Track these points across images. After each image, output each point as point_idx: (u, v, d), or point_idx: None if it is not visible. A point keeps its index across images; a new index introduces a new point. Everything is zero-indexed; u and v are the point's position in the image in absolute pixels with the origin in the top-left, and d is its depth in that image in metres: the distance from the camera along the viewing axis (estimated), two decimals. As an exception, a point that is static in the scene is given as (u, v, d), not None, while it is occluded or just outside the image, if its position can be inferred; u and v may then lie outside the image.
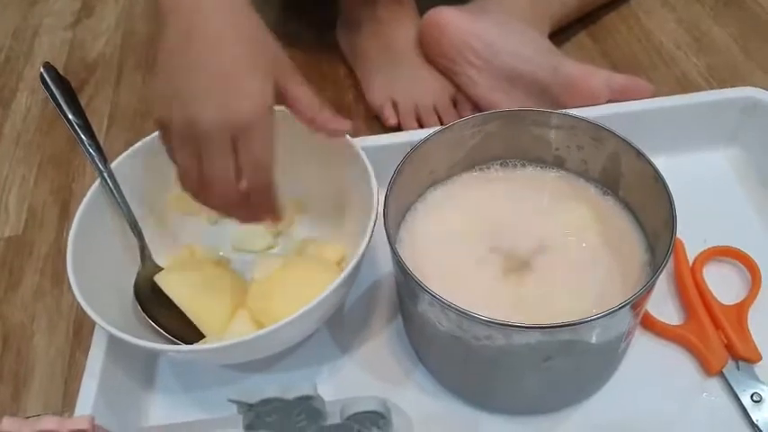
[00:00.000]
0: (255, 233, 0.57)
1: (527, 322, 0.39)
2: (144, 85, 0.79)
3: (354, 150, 0.52)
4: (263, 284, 0.50)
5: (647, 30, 0.78)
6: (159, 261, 0.55)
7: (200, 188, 0.44)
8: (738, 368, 0.48)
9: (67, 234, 0.64)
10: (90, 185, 0.68)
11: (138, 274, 0.53)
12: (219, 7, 0.43)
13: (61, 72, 0.84)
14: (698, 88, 0.70)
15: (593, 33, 0.78)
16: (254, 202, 0.44)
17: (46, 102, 0.80)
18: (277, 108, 0.44)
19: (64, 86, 0.55)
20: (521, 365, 0.43)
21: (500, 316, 0.43)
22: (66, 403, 0.53)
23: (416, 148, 0.49)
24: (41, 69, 0.55)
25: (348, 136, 0.53)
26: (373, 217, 0.47)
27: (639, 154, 0.46)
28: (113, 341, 0.49)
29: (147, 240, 0.54)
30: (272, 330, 0.42)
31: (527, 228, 0.50)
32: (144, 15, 0.91)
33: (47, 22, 0.93)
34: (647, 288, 0.39)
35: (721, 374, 0.48)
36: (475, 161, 0.53)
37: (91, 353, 0.49)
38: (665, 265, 0.40)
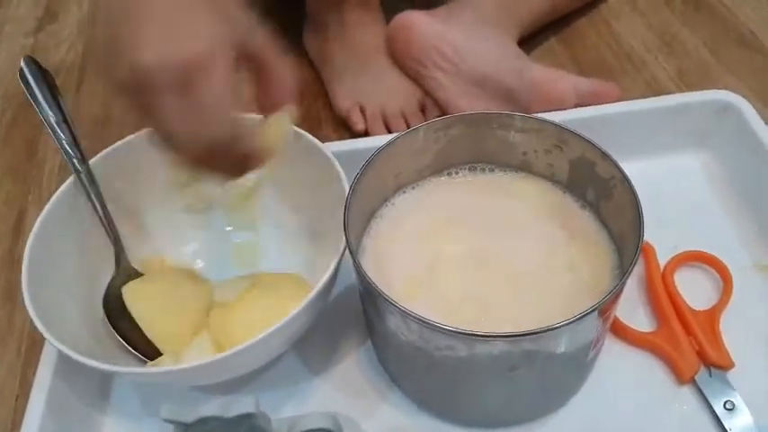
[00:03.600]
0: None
1: (491, 331, 0.38)
2: (105, 92, 0.77)
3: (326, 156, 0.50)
4: (227, 306, 0.48)
5: (616, 34, 0.78)
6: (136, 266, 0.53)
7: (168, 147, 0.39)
8: (711, 375, 0.47)
9: (22, 246, 0.63)
10: (47, 195, 0.67)
11: (112, 281, 0.51)
12: None
13: (20, 80, 0.82)
14: (668, 92, 0.70)
15: (563, 39, 0.78)
16: (219, 157, 0.39)
17: (3, 110, 0.77)
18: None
19: (44, 80, 0.52)
20: (485, 376, 0.42)
21: (465, 324, 0.42)
22: (16, 422, 0.50)
23: (378, 152, 0.47)
24: (22, 63, 0.52)
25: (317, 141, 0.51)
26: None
27: (605, 156, 0.45)
28: (62, 360, 0.46)
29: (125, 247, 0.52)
30: (224, 357, 0.40)
31: (494, 233, 0.48)
32: (107, 22, 0.89)
33: (7, 29, 0.90)
34: (614, 294, 0.38)
35: (693, 382, 0.47)
36: (443, 165, 0.52)
37: (40, 368, 0.46)
38: (631, 270, 0.38)
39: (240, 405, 0.31)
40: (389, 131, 0.66)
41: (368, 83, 0.69)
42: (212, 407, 0.31)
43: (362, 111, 0.68)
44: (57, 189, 0.67)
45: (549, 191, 0.51)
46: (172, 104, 0.36)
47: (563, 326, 0.37)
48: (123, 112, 0.75)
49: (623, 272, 0.44)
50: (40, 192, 0.68)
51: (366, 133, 0.67)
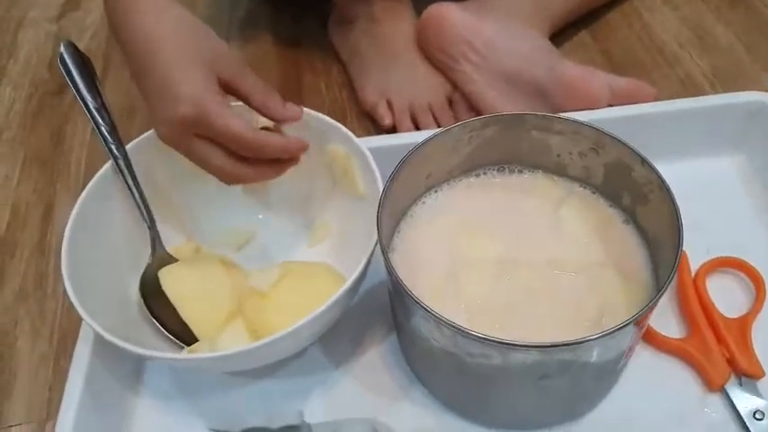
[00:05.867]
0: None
1: (524, 338, 0.38)
2: (130, 82, 0.77)
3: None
4: (262, 294, 0.48)
5: (649, 28, 0.76)
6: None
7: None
8: (741, 384, 0.47)
9: (51, 235, 0.64)
10: (75, 185, 0.68)
11: (148, 266, 0.52)
12: (146, 21, 0.47)
13: (45, 67, 0.82)
14: (701, 91, 0.69)
15: (593, 31, 0.76)
16: (260, 161, 0.47)
17: (30, 97, 0.78)
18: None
19: (84, 65, 0.53)
20: (516, 383, 0.42)
21: (496, 329, 0.42)
22: (51, 411, 0.51)
23: (412, 152, 0.47)
24: (62, 47, 0.53)
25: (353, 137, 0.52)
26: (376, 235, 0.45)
27: (644, 161, 0.44)
28: (99, 342, 0.47)
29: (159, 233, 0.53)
30: (262, 345, 0.41)
31: (523, 236, 0.48)
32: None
33: (31, 14, 0.90)
34: (649, 308, 0.38)
35: (723, 390, 0.47)
36: (473, 165, 0.52)
37: (76, 352, 0.47)
38: (668, 286, 0.38)
39: (285, 417, 0.31)
40: (417, 126, 0.66)
41: (395, 76, 0.68)
42: (258, 419, 0.31)
43: (389, 105, 0.67)
44: (84, 179, 0.68)
45: (581, 193, 0.50)
46: (197, 149, 0.46)
47: (598, 338, 0.37)
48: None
49: (658, 282, 0.44)
50: (68, 182, 0.68)
51: (393, 128, 0.67)
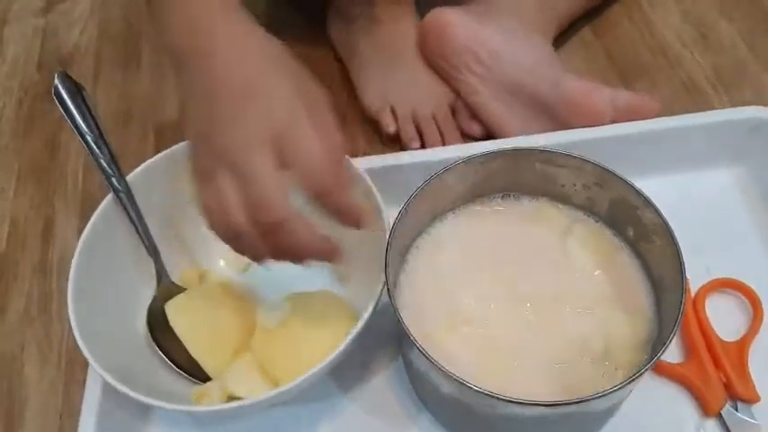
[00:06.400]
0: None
1: (529, 380, 0.39)
2: (124, 83, 0.75)
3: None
4: (271, 333, 0.49)
5: (650, 23, 0.75)
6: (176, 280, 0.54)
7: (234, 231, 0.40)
8: (737, 409, 0.49)
9: (53, 253, 0.63)
10: (73, 198, 0.67)
11: (154, 299, 0.52)
12: (236, 50, 0.40)
13: (34, 67, 0.80)
14: (704, 94, 0.68)
15: (596, 29, 0.75)
16: (329, 207, 0.40)
17: (20, 102, 0.76)
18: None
19: (79, 95, 0.52)
20: (523, 427, 0.43)
21: (503, 371, 0.43)
22: (63, 439, 0.52)
23: (417, 192, 0.47)
24: (56, 80, 0.51)
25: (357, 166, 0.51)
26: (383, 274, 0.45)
27: (648, 203, 0.45)
28: (108, 393, 0.48)
29: (163, 259, 0.53)
30: (274, 395, 0.42)
31: (531, 269, 0.49)
32: (120, 1, 0.86)
33: (15, 8, 0.86)
34: (654, 362, 0.39)
35: (719, 415, 0.49)
36: (477, 194, 0.51)
37: (87, 389, 0.48)
38: (671, 340, 0.39)
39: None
40: (420, 135, 0.65)
41: (399, 82, 0.67)
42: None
43: (393, 111, 0.66)
44: (83, 192, 0.68)
45: (586, 222, 0.50)
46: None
47: (605, 395, 0.38)
48: (145, 107, 0.74)
49: (660, 315, 0.45)
50: (65, 195, 0.67)
51: (397, 135, 0.66)
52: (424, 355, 0.40)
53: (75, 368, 0.56)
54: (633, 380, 0.38)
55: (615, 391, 0.38)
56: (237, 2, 0.42)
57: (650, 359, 0.39)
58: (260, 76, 0.39)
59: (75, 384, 0.55)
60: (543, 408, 0.39)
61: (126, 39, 0.81)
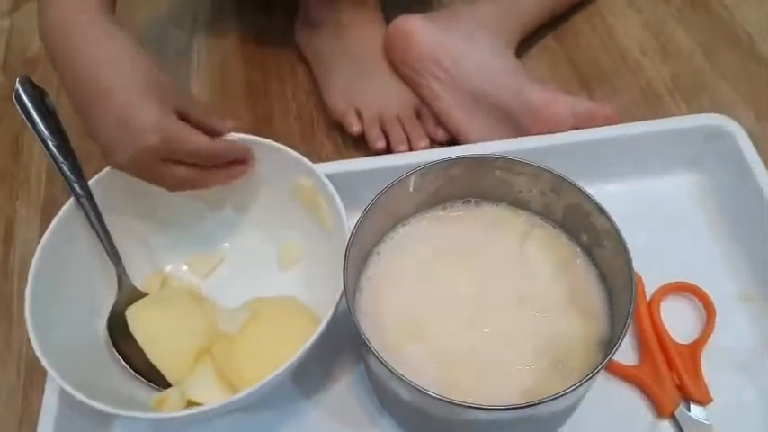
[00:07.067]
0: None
1: (489, 384, 0.40)
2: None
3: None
4: (231, 339, 0.49)
5: (612, 31, 0.77)
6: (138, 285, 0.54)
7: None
8: (689, 410, 0.50)
9: (14, 256, 0.63)
10: (36, 200, 0.66)
11: (115, 304, 0.52)
12: (90, 51, 0.49)
13: (-1, 69, 0.79)
14: (661, 100, 0.70)
15: (559, 36, 0.76)
16: (219, 167, 0.52)
17: (-16, 104, 0.75)
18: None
19: (41, 101, 0.52)
20: (481, 428, 0.44)
21: (460, 371, 0.44)
22: (22, 447, 0.52)
23: (377, 198, 0.47)
24: (17, 84, 0.52)
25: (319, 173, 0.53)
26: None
27: (601, 211, 0.46)
28: (65, 401, 0.48)
29: (125, 264, 0.53)
30: (233, 400, 0.42)
31: (491, 274, 0.49)
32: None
33: (-21, 7, 0.86)
34: (605, 363, 0.40)
35: (673, 416, 0.50)
36: (439, 199, 0.52)
37: (45, 396, 0.48)
38: (620, 343, 0.40)
39: None
40: (386, 136, 0.66)
41: (364, 85, 0.68)
42: None
43: (358, 113, 0.67)
44: (45, 194, 0.67)
45: (543, 227, 0.51)
46: (162, 173, 0.49)
47: (557, 397, 0.39)
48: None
49: (613, 318, 0.46)
50: (28, 198, 0.67)
51: (362, 135, 0.66)
52: (381, 362, 0.40)
53: (34, 374, 0.56)
54: (585, 381, 0.39)
55: (568, 393, 0.39)
56: (107, 8, 0.51)
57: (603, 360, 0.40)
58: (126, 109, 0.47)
59: (35, 390, 0.55)
60: (500, 412, 0.39)
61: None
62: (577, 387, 0.39)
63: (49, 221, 0.50)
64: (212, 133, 0.51)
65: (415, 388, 0.39)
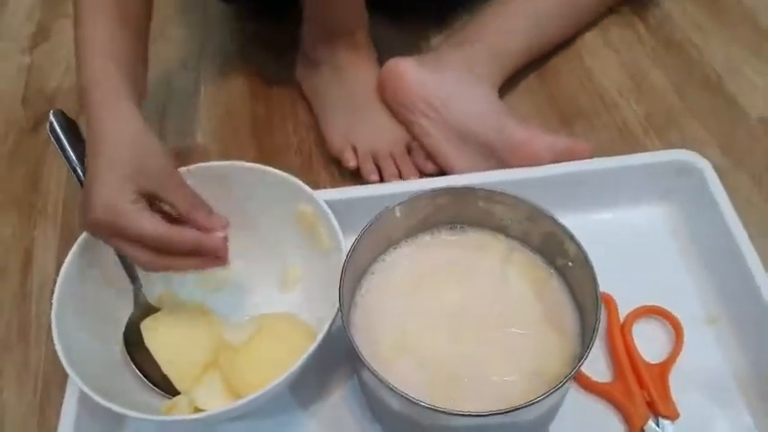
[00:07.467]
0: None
1: (471, 396, 0.44)
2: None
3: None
4: (236, 350, 0.53)
5: (590, 72, 0.82)
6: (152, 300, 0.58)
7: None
8: (658, 425, 0.54)
9: (32, 283, 0.67)
10: (53, 229, 0.71)
11: (131, 317, 0.56)
12: (95, 115, 0.52)
13: (18, 103, 0.85)
14: (636, 138, 0.75)
15: (540, 75, 0.82)
16: (188, 254, 0.51)
17: (5, 136, 0.80)
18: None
19: (71, 131, 0.57)
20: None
21: (445, 383, 0.49)
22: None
23: (371, 223, 0.52)
24: (51, 116, 0.56)
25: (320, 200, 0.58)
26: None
27: (572, 238, 0.50)
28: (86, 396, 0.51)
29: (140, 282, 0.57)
30: (236, 406, 0.47)
31: (474, 293, 0.54)
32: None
33: (1, 46, 0.92)
34: (572, 375, 0.44)
35: (642, 431, 0.54)
36: (427, 225, 0.57)
37: (65, 403, 0.52)
38: (586, 357, 0.45)
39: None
40: (379, 171, 0.71)
41: (359, 123, 0.73)
42: None
43: (354, 149, 0.72)
44: (62, 222, 0.72)
45: (522, 252, 0.56)
46: (120, 245, 0.50)
47: (532, 404, 0.43)
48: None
49: (584, 338, 0.51)
50: (45, 225, 0.71)
51: (357, 169, 0.72)
52: (373, 373, 0.44)
53: (51, 391, 0.59)
54: (556, 390, 0.43)
55: (541, 400, 0.43)
56: (129, 93, 0.54)
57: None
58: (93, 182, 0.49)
59: (51, 406, 0.58)
60: (480, 418, 0.43)
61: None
62: (549, 395, 0.43)
63: (66, 248, 0.55)
64: (196, 225, 0.51)
65: (403, 397, 0.43)
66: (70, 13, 0.91)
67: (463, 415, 0.43)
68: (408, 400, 0.43)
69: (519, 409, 0.43)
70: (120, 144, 0.51)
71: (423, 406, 0.43)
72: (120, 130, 0.52)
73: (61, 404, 0.52)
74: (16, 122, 0.82)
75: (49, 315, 0.51)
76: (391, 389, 0.44)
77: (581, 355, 0.49)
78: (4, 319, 0.64)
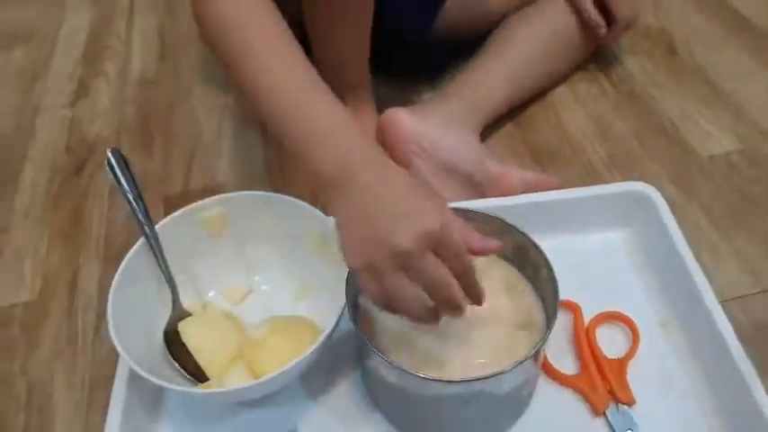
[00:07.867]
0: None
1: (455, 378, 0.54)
2: (139, 164, 0.91)
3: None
4: (258, 343, 0.63)
5: (561, 120, 0.95)
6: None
7: (427, 309, 0.52)
8: (618, 410, 0.63)
9: (78, 302, 0.77)
10: (95, 257, 0.81)
11: (170, 319, 0.66)
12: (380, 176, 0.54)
13: (62, 151, 0.96)
14: (600, 175, 0.86)
15: (517, 123, 0.94)
16: (463, 287, 0.52)
17: (51, 180, 0.92)
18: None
19: (125, 164, 0.67)
20: (446, 408, 0.58)
21: (435, 367, 0.58)
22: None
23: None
24: (108, 153, 0.66)
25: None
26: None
27: (537, 248, 0.61)
28: (131, 391, 0.61)
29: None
30: (258, 383, 0.57)
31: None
32: (134, 100, 1.04)
33: (46, 101, 1.04)
34: (534, 353, 0.54)
35: (605, 415, 0.63)
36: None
37: (114, 387, 0.61)
38: (545, 341, 0.55)
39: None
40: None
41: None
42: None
43: None
44: (104, 252, 0.82)
45: (498, 261, 0.66)
46: (433, 265, 0.50)
47: (495, 375, 0.53)
48: (155, 183, 0.89)
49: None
50: (89, 255, 0.82)
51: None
52: (373, 349, 0.54)
53: (95, 393, 0.68)
54: (521, 363, 0.53)
55: (506, 372, 0.53)
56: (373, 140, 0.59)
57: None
58: (409, 198, 0.52)
59: (96, 406, 0.67)
60: (458, 385, 0.54)
61: (140, 129, 0.99)
62: (512, 369, 0.53)
63: (105, 272, 0.66)
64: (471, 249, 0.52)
65: (396, 367, 0.54)
66: (107, 71, 1.05)
67: (444, 381, 0.53)
68: (401, 369, 0.54)
69: (490, 377, 0.53)
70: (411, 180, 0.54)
71: (411, 374, 0.53)
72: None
73: (103, 404, 0.61)
74: (62, 168, 0.93)
75: (92, 328, 0.60)
76: (388, 362, 0.54)
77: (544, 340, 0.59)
78: (53, 331, 0.74)
